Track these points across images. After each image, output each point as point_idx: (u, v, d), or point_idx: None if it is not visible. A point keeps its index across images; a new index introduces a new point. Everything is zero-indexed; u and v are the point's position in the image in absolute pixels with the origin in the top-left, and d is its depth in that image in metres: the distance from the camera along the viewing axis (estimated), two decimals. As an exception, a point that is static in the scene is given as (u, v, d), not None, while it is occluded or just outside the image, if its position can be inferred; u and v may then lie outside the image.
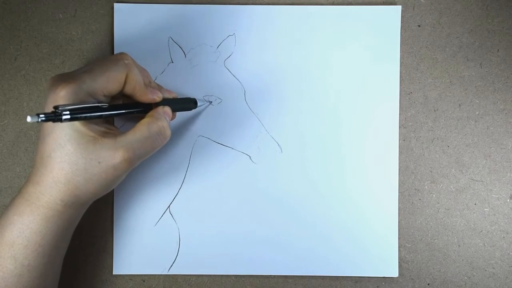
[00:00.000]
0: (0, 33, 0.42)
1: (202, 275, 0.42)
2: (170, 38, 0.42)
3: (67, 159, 0.32)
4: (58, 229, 0.34)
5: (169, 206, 0.42)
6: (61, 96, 0.32)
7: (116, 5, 0.42)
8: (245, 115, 0.42)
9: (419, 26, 0.43)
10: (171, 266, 0.42)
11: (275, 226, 0.42)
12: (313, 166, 0.42)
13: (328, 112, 0.42)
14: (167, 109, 0.37)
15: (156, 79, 0.42)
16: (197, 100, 0.40)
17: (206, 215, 0.42)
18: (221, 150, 0.42)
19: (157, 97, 0.36)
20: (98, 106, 0.33)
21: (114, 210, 0.42)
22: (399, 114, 0.42)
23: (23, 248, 0.33)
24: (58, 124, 0.32)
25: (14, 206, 0.33)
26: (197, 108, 0.41)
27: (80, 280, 0.42)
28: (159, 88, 0.39)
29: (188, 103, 0.40)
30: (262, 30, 0.42)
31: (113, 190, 0.42)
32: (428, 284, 0.42)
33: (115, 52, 0.42)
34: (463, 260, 0.42)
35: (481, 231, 0.42)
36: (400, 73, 0.42)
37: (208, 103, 0.42)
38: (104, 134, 0.33)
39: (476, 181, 0.42)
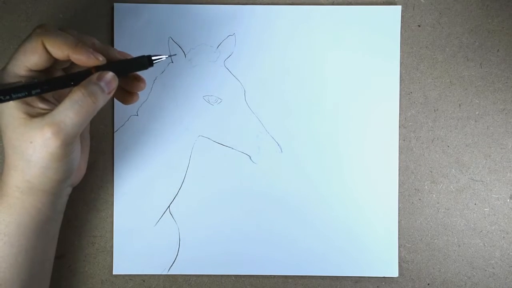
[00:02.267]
0: (0, 33, 0.42)
1: (202, 275, 0.42)
2: (170, 38, 0.42)
3: (9, 144, 0.33)
4: (24, 219, 0.34)
5: (169, 206, 0.42)
6: None
7: (116, 5, 0.42)
8: (245, 115, 0.42)
9: (419, 26, 0.43)
10: (171, 266, 0.42)
11: (275, 226, 0.42)
12: (313, 166, 0.42)
13: (328, 112, 0.42)
14: (104, 74, 0.33)
15: (156, 79, 0.42)
16: (154, 56, 0.35)
17: (206, 215, 0.42)
18: (221, 150, 0.42)
19: (95, 58, 0.33)
20: (22, 86, 0.32)
21: (114, 210, 0.42)
22: (399, 114, 0.42)
23: None
24: (0, 112, 0.33)
25: None
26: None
27: (80, 280, 0.42)
28: (107, 49, 0.35)
29: (139, 63, 0.35)
30: (262, 30, 0.42)
31: (113, 189, 0.42)
32: (428, 284, 0.42)
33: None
34: (463, 260, 0.42)
35: (481, 231, 0.42)
36: (400, 73, 0.42)
37: (169, 56, 0.37)
38: (35, 114, 0.33)
39: (476, 181, 0.42)
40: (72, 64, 0.36)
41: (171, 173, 0.42)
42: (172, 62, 0.42)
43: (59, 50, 0.33)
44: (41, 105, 0.34)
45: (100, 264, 0.42)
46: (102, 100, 0.33)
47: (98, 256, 0.42)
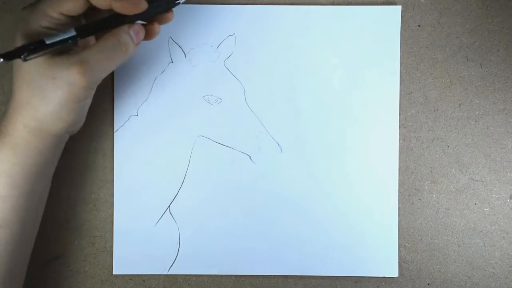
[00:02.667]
0: (0, 33, 0.42)
1: (202, 275, 0.42)
2: (170, 38, 0.42)
3: (25, 79, 0.32)
4: (28, 161, 0.34)
5: (169, 206, 0.42)
6: (20, 28, 0.32)
7: (116, 5, 0.42)
8: (245, 115, 0.42)
9: (419, 26, 0.43)
10: (171, 266, 0.42)
11: (275, 226, 0.42)
12: (313, 166, 0.42)
13: (328, 112, 0.42)
14: (135, 27, 0.34)
15: (156, 79, 0.42)
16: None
17: (206, 215, 0.42)
18: (221, 150, 0.42)
19: (140, 3, 0.32)
20: (61, 37, 0.32)
21: (114, 210, 0.42)
22: (399, 114, 0.42)
23: None
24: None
25: None
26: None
27: (80, 280, 0.42)
28: None
29: (165, 3, 0.35)
30: (262, 30, 0.42)
31: (113, 189, 0.42)
32: (428, 284, 0.42)
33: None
34: (463, 260, 0.42)
35: (481, 231, 0.42)
36: (400, 73, 0.42)
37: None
38: (62, 52, 0.33)
39: (476, 181, 0.42)
40: (92, 14, 0.35)
41: (171, 173, 0.42)
42: (173, 63, 0.42)
43: None
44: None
45: (100, 264, 0.42)
46: (131, 50, 0.34)
47: (98, 256, 0.42)
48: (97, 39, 0.37)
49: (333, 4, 0.42)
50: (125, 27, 0.34)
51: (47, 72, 0.32)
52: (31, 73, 0.32)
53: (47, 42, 0.31)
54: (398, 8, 0.42)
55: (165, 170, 0.42)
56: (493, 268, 0.42)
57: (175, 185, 0.42)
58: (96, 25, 0.34)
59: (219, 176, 0.42)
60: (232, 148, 0.42)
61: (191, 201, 0.42)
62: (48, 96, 0.32)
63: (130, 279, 0.42)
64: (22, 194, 0.34)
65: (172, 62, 0.42)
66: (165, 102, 0.42)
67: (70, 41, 0.32)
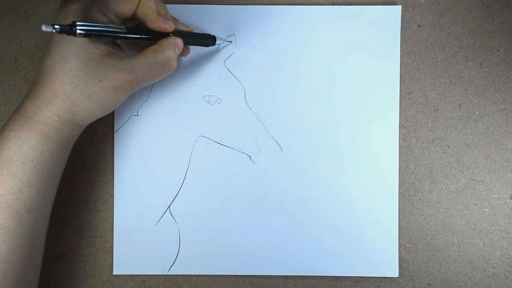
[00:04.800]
0: (0, 33, 0.42)
1: (202, 275, 0.42)
2: (170, 38, 0.42)
3: (69, 73, 0.32)
4: (55, 147, 0.34)
5: (169, 206, 0.42)
6: (72, 10, 0.32)
7: (116, 5, 0.42)
8: (245, 115, 0.42)
9: (419, 26, 0.43)
10: (171, 266, 0.42)
11: (275, 226, 0.42)
12: (313, 166, 0.42)
13: (328, 112, 0.42)
14: (178, 40, 0.36)
15: (156, 79, 0.42)
16: (217, 38, 0.41)
17: (206, 215, 0.42)
18: (221, 150, 0.42)
19: (169, 26, 0.36)
20: (113, 27, 0.33)
21: (114, 210, 0.42)
22: (399, 114, 0.42)
23: (21, 165, 0.33)
24: (65, 38, 0.32)
25: (11, 122, 0.33)
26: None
27: (80, 280, 0.42)
28: (175, 21, 0.38)
29: (205, 39, 0.40)
30: (262, 30, 0.42)
31: (113, 189, 0.42)
32: (428, 284, 0.42)
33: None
34: (463, 260, 0.42)
35: (481, 231, 0.42)
36: (400, 73, 0.42)
37: (228, 43, 0.42)
38: (110, 55, 0.34)
39: (476, 181, 0.42)
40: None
41: (171, 173, 0.42)
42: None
43: (144, 13, 0.35)
44: (113, 46, 0.35)
45: (100, 264, 0.42)
46: (175, 67, 0.36)
47: (98, 256, 0.42)
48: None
49: (333, 4, 0.42)
50: (171, 39, 0.36)
51: (95, 72, 0.32)
52: (78, 69, 0.32)
53: (100, 25, 0.32)
54: (398, 8, 0.42)
55: (165, 170, 0.42)
56: (493, 268, 0.42)
57: (175, 185, 0.42)
58: (143, 31, 0.36)
59: (219, 176, 0.42)
60: (232, 148, 0.42)
61: (191, 201, 0.42)
62: (91, 96, 0.33)
63: (130, 279, 0.42)
64: (48, 179, 0.35)
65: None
66: (165, 102, 0.42)
67: (118, 34, 0.33)
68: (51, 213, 0.41)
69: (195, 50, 0.42)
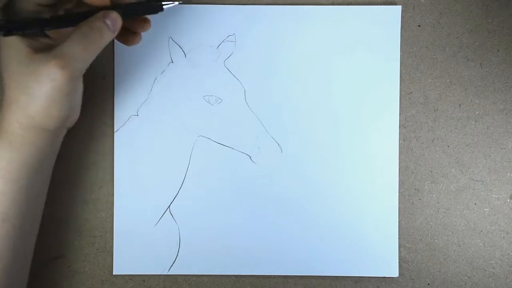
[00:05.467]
0: (0, 33, 0.42)
1: (202, 275, 0.42)
2: (170, 38, 0.42)
3: (12, 78, 0.32)
4: (25, 156, 0.34)
5: (169, 206, 0.42)
6: None
7: (116, 5, 0.42)
8: (245, 115, 0.42)
9: (419, 26, 0.43)
10: (171, 266, 0.42)
11: (275, 226, 0.42)
12: (313, 166, 0.42)
13: (328, 112, 0.42)
14: (110, 13, 0.33)
15: (156, 79, 0.42)
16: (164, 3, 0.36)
17: (206, 215, 0.42)
18: (221, 150, 0.42)
19: None
20: (31, 20, 0.32)
21: (114, 210, 0.42)
22: (399, 114, 0.42)
23: None
24: (2, 45, 0.32)
25: None
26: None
27: (80, 280, 0.42)
28: None
29: (149, 6, 0.36)
30: (262, 30, 0.42)
31: (113, 189, 0.42)
32: (428, 284, 0.42)
33: (115, 53, 0.42)
34: (463, 260, 0.42)
35: (481, 231, 0.42)
36: (400, 73, 0.42)
37: (177, 3, 0.37)
38: (41, 49, 0.33)
39: (476, 181, 0.42)
40: (75, 5, 0.36)
41: (171, 173, 0.42)
42: (173, 63, 0.42)
43: None
44: (44, 39, 0.34)
45: (100, 264, 0.42)
46: (108, 36, 0.34)
47: (98, 256, 0.42)
48: None
49: (333, 4, 0.42)
50: (99, 15, 0.33)
51: (29, 69, 0.32)
52: (16, 71, 0.32)
53: (13, 23, 0.31)
54: (398, 8, 0.42)
55: (165, 170, 0.42)
56: (493, 268, 0.42)
57: (175, 185, 0.42)
58: (72, 16, 0.34)
59: (219, 176, 0.42)
60: (232, 148, 0.42)
61: (191, 201, 0.42)
62: (33, 93, 0.32)
63: (130, 279, 0.42)
64: (21, 188, 0.34)
65: (172, 62, 0.42)
66: (165, 102, 0.42)
67: (41, 25, 0.32)
68: (51, 213, 0.41)
69: (195, 50, 0.42)
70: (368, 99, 0.42)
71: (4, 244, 0.34)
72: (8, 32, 0.31)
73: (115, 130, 0.42)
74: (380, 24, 0.42)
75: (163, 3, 0.36)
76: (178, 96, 0.42)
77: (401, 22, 0.42)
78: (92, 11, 0.34)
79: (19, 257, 0.36)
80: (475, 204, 0.42)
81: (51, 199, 0.40)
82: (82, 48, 0.33)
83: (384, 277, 0.42)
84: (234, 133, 0.42)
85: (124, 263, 0.42)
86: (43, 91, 0.32)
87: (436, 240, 0.42)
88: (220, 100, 0.42)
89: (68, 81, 0.33)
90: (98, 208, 0.42)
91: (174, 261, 0.42)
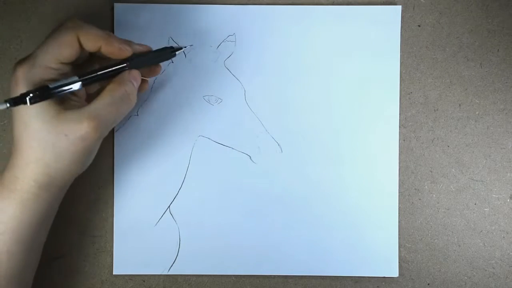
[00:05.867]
0: (0, 33, 0.42)
1: (202, 275, 0.42)
2: (170, 38, 0.42)
3: (35, 137, 0.32)
4: (35, 215, 0.34)
5: (169, 206, 0.42)
6: (19, 77, 0.32)
7: (116, 5, 0.42)
8: (245, 115, 0.42)
9: (419, 26, 0.43)
10: (171, 266, 0.42)
11: (275, 226, 0.42)
12: (313, 166, 0.42)
13: (328, 112, 0.42)
14: (134, 73, 0.35)
15: (156, 79, 0.42)
16: (175, 48, 0.39)
17: (206, 215, 0.42)
18: (221, 150, 0.42)
19: (126, 49, 0.35)
20: (64, 83, 0.33)
21: (114, 210, 0.42)
22: (399, 114, 0.42)
23: (0, 235, 0.33)
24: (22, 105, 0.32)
25: None
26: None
27: (80, 280, 0.42)
28: (129, 42, 0.37)
29: (164, 54, 0.38)
30: (262, 30, 0.42)
31: (113, 189, 0.42)
32: (428, 284, 0.42)
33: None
34: (463, 260, 0.42)
35: (481, 231, 0.42)
36: (400, 73, 0.42)
37: (189, 46, 0.41)
38: (69, 107, 0.33)
39: (476, 181, 0.42)
40: (93, 58, 0.37)
41: (171, 173, 0.42)
42: (173, 63, 0.42)
43: (93, 43, 0.34)
44: (73, 97, 0.35)
45: (100, 264, 0.42)
46: (135, 99, 0.36)
47: (98, 256, 0.42)
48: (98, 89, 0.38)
49: (333, 4, 0.42)
50: (126, 74, 0.35)
51: (58, 129, 0.32)
52: (42, 131, 0.32)
53: (51, 86, 0.32)
54: (398, 8, 0.42)
55: (165, 170, 0.42)
56: (493, 268, 0.42)
57: (175, 185, 0.42)
58: (97, 72, 0.35)
59: (219, 176, 0.42)
60: (232, 148, 0.42)
61: (191, 201, 0.42)
62: (61, 153, 0.32)
63: (130, 279, 0.42)
64: (28, 248, 0.35)
65: (172, 62, 0.42)
66: (165, 102, 0.42)
67: (73, 87, 0.33)
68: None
69: (195, 50, 0.42)
70: (368, 99, 0.42)
71: None
72: (35, 100, 0.31)
73: (115, 130, 0.42)
74: (380, 24, 0.42)
75: (176, 51, 0.39)
76: (178, 96, 0.42)
77: (401, 22, 0.42)
78: (114, 64, 0.35)
79: None
80: (475, 204, 0.42)
81: (51, 199, 0.40)
82: (114, 111, 0.34)
83: (384, 277, 0.42)
84: (234, 133, 0.42)
85: (124, 263, 0.42)
86: (71, 151, 0.33)
87: (436, 240, 0.42)
88: (220, 100, 0.42)
89: (98, 140, 0.34)
90: (98, 208, 0.42)
91: (174, 261, 0.42)
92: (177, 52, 0.39)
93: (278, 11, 0.42)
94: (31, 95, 0.31)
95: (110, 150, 0.42)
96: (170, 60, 0.42)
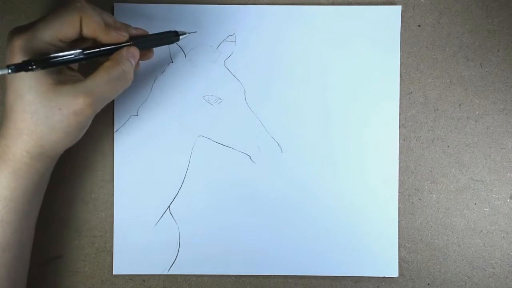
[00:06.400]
0: (0, 33, 0.42)
1: (202, 275, 0.42)
2: (170, 38, 0.42)
3: (28, 109, 0.32)
4: (28, 183, 0.34)
5: (169, 206, 0.42)
6: (17, 46, 0.32)
7: (116, 5, 0.42)
8: (245, 115, 0.42)
9: (419, 26, 0.43)
10: (171, 266, 0.42)
11: (275, 226, 0.42)
12: (313, 166, 0.42)
13: (328, 112, 0.42)
14: (132, 49, 0.36)
15: (156, 79, 0.42)
16: (180, 32, 0.39)
17: (206, 215, 0.42)
18: (221, 150, 0.42)
19: (123, 36, 0.35)
20: (69, 54, 0.33)
21: (114, 210, 0.42)
22: (399, 114, 0.42)
23: None
24: (17, 75, 0.32)
25: None
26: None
27: (80, 280, 0.42)
28: (126, 27, 0.37)
29: (166, 37, 0.39)
30: (262, 30, 0.42)
31: (113, 189, 0.42)
32: (428, 284, 0.42)
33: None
34: (463, 260, 0.42)
35: (481, 231, 0.42)
36: (400, 73, 0.42)
37: (194, 32, 0.41)
38: (64, 81, 0.33)
39: (476, 181, 0.42)
40: (93, 43, 0.37)
41: (171, 173, 0.42)
42: (173, 63, 0.42)
43: (92, 31, 0.34)
44: (67, 70, 0.35)
45: (100, 264, 0.42)
46: (132, 77, 0.36)
47: (98, 256, 0.42)
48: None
49: (333, 4, 0.42)
50: (124, 52, 0.35)
51: (53, 102, 0.32)
52: (36, 103, 0.32)
53: (53, 55, 0.32)
54: (398, 8, 0.42)
55: (165, 170, 0.42)
56: (493, 268, 0.42)
57: (175, 185, 0.42)
58: (101, 47, 0.35)
59: (219, 176, 0.42)
60: (232, 148, 0.42)
61: (191, 201, 0.42)
62: (54, 125, 0.33)
63: (130, 279, 0.42)
64: (23, 217, 0.35)
65: (172, 62, 0.42)
66: (165, 102, 0.42)
67: (75, 59, 0.33)
68: (51, 213, 0.41)
69: (195, 50, 0.42)
70: (368, 99, 0.42)
71: (3, 273, 0.34)
72: (36, 68, 0.31)
73: (115, 130, 0.42)
74: (380, 24, 0.42)
75: (180, 35, 0.39)
76: (178, 96, 0.42)
77: (401, 22, 0.42)
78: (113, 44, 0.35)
79: (16, 284, 0.36)
80: (475, 204, 0.42)
81: (51, 199, 0.40)
82: (110, 89, 0.34)
83: (384, 277, 0.42)
84: (234, 133, 0.42)
85: (124, 263, 0.42)
86: (64, 124, 0.33)
87: (436, 240, 0.42)
88: (220, 100, 0.42)
89: (91, 117, 0.34)
90: (98, 208, 0.42)
91: (174, 261, 0.42)
92: (181, 37, 0.39)
93: (278, 11, 0.42)
94: (32, 63, 0.31)
95: (110, 150, 0.42)
96: (170, 60, 0.42)
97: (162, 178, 0.42)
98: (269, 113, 0.42)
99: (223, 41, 0.42)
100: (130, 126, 0.42)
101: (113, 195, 0.42)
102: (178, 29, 0.40)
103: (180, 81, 0.42)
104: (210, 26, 0.42)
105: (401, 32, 0.42)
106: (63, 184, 0.42)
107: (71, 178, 0.42)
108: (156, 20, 0.42)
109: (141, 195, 0.42)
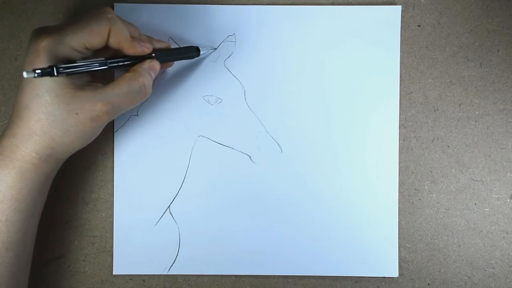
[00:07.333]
0: (0, 33, 0.42)
1: (202, 275, 0.42)
2: (170, 38, 0.42)
3: (44, 110, 0.32)
4: (34, 184, 0.34)
5: (169, 206, 0.42)
6: (42, 47, 0.32)
7: (116, 5, 0.42)
8: (245, 115, 0.42)
9: (419, 26, 0.43)
10: (171, 266, 0.42)
11: (275, 226, 0.42)
12: (313, 166, 0.42)
13: (328, 112, 0.42)
14: (154, 64, 0.36)
15: (156, 79, 0.42)
16: (200, 48, 0.40)
17: (206, 215, 0.42)
18: (221, 150, 0.42)
19: (147, 48, 0.36)
20: (93, 62, 0.34)
21: (114, 210, 0.42)
22: (399, 114, 0.42)
23: None
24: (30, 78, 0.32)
25: None
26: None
27: (80, 280, 0.42)
28: (150, 39, 0.38)
29: (187, 52, 0.40)
30: (262, 30, 0.42)
31: (113, 189, 0.42)
32: (428, 284, 0.42)
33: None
34: (463, 260, 0.42)
35: (481, 231, 0.42)
36: (400, 73, 0.42)
37: (213, 50, 0.42)
38: (84, 87, 0.34)
39: (476, 181, 0.42)
40: (114, 53, 0.37)
41: (171, 173, 0.42)
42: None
43: (118, 43, 0.35)
44: (87, 77, 0.35)
45: (100, 264, 0.42)
46: (150, 92, 0.36)
47: (98, 256, 0.42)
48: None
49: (333, 4, 0.42)
50: (146, 64, 0.36)
51: (71, 106, 0.32)
52: (53, 105, 0.32)
53: (79, 63, 0.33)
54: (398, 8, 0.42)
55: (165, 170, 0.42)
56: (493, 268, 0.42)
57: (175, 185, 0.42)
58: (125, 58, 0.36)
59: (219, 176, 0.42)
60: (232, 148, 0.42)
61: (191, 201, 0.42)
62: (68, 129, 0.33)
63: (130, 279, 0.42)
64: (27, 216, 0.35)
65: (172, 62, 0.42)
66: (165, 102, 0.42)
67: (100, 68, 0.34)
68: (51, 213, 0.41)
69: (195, 50, 0.42)
70: (368, 99, 0.42)
71: (6, 272, 0.34)
72: (61, 73, 0.31)
73: (115, 130, 0.42)
74: (380, 24, 0.42)
75: (201, 52, 0.40)
76: (178, 96, 0.42)
77: (401, 22, 0.42)
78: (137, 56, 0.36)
79: (19, 282, 0.36)
80: (475, 204, 0.42)
81: (52, 199, 0.40)
82: (129, 100, 0.35)
83: (384, 277, 0.42)
84: (234, 133, 0.42)
85: (124, 263, 0.42)
86: (78, 128, 0.33)
87: (436, 240, 0.42)
88: (220, 100, 0.42)
89: (105, 124, 0.35)
90: (98, 208, 0.42)
91: (174, 261, 0.42)
92: (201, 53, 0.40)
93: (278, 11, 0.42)
94: (62, 69, 0.31)
95: (110, 150, 0.42)
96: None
97: (162, 178, 0.42)
98: (269, 113, 0.42)
99: (223, 41, 0.42)
100: (130, 126, 0.42)
101: (113, 195, 0.42)
102: (178, 31, 0.40)
103: (180, 81, 0.42)
104: (210, 26, 0.42)
105: (401, 32, 0.42)
106: (64, 184, 0.42)
107: (71, 178, 0.42)
108: (156, 20, 0.42)
109: (141, 195, 0.42)
